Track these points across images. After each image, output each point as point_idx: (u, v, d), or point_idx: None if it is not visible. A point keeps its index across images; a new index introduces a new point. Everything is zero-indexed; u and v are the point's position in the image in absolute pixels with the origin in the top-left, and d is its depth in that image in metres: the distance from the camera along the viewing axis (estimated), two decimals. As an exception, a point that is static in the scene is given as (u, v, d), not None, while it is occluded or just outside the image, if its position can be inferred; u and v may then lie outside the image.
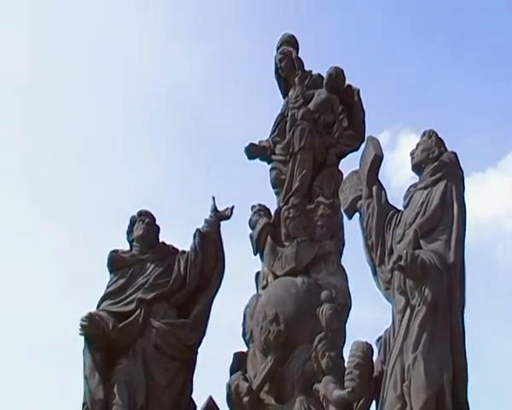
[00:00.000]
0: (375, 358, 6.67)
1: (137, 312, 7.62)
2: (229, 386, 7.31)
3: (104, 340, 7.49)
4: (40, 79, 17.93)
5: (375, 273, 7.06)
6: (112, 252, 8.09)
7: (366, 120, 8.89)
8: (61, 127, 17.71)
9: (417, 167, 7.13)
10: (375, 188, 7.23)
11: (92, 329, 7.43)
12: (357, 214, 7.45)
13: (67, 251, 16.72)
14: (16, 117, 17.79)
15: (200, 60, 18.35)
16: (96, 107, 17.97)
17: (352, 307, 7.82)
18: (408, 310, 6.26)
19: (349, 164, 8.48)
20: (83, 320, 7.45)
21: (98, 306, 7.78)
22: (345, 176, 7.94)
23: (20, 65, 17.63)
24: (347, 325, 7.65)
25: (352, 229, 7.93)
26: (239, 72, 18.47)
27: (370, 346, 6.69)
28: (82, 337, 7.53)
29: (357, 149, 8.67)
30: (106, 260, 8.06)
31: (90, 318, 7.46)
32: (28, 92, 17.91)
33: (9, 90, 18.05)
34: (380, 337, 6.74)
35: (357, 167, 7.66)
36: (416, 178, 7.17)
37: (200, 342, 7.87)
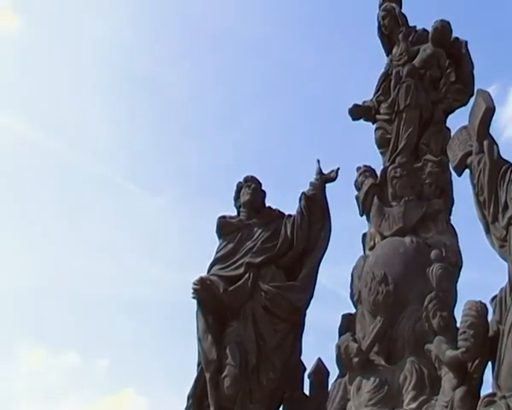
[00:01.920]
0: (489, 318, 6.49)
1: (246, 275, 7.76)
2: (338, 347, 7.29)
3: (215, 303, 7.68)
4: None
5: (487, 231, 6.83)
6: (220, 218, 8.25)
7: (474, 73, 8.60)
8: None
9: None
10: (486, 142, 6.97)
11: (204, 292, 7.64)
12: (467, 171, 7.23)
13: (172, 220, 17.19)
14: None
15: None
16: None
17: (463, 269, 7.63)
18: (526, 267, 6.04)
19: (457, 120, 8.23)
20: (195, 284, 7.67)
21: (208, 270, 7.98)
22: (453, 132, 7.70)
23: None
24: (458, 285, 7.47)
25: (462, 186, 7.74)
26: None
27: (485, 305, 6.50)
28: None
29: (465, 104, 8.40)
30: (214, 227, 8.23)
31: (202, 282, 7.67)
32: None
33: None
34: (494, 297, 6.53)
35: (466, 123, 7.42)
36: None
37: (308, 303, 7.92)
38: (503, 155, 6.96)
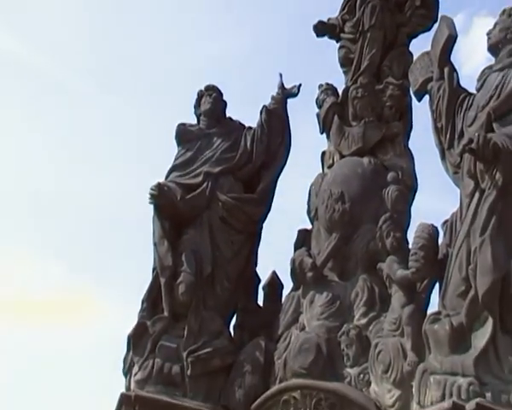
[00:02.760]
0: (440, 241, 6.72)
1: (204, 185, 7.76)
2: (293, 261, 7.44)
3: (172, 210, 7.68)
4: None
5: (443, 157, 6.98)
6: (179, 125, 8.16)
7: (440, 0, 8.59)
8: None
9: (493, 48, 6.86)
10: (446, 69, 7.03)
11: (161, 198, 7.62)
12: (426, 97, 7.32)
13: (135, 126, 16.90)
14: None
15: None
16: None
17: (417, 193, 7.81)
18: (477, 194, 6.20)
19: (420, 45, 8.26)
20: (152, 190, 7.63)
21: (166, 177, 7.94)
22: (415, 57, 7.75)
23: None
24: (412, 208, 7.66)
25: (421, 111, 7.85)
26: None
27: (436, 228, 6.72)
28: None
29: (429, 30, 8.38)
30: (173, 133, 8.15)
31: (159, 187, 7.64)
32: None
33: None
34: (446, 221, 6.75)
35: (428, 49, 7.46)
36: (491, 61, 6.94)
37: (266, 216, 8.02)
38: (464, 86, 7.08)
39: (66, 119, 16.91)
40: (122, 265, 16.38)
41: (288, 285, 7.67)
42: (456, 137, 6.83)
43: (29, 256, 16.77)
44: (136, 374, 7.10)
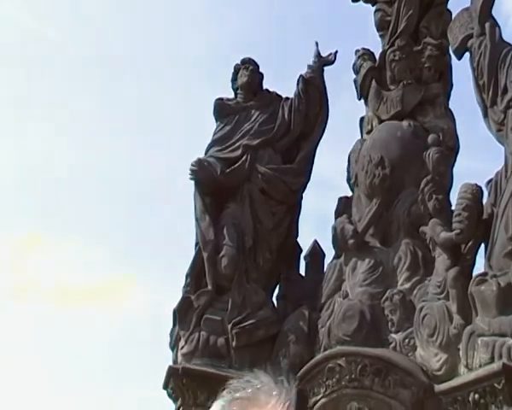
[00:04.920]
0: (484, 200, 6.57)
1: (244, 158, 7.76)
2: (334, 229, 7.38)
3: (213, 184, 7.71)
4: None
5: (485, 115, 6.82)
6: (217, 100, 8.17)
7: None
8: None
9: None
10: (488, 24, 6.85)
11: (201, 173, 7.66)
12: (467, 54, 7.14)
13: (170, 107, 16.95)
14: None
15: None
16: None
17: (459, 154, 7.64)
18: (522, 150, 6.07)
19: (459, 2, 8.04)
20: (192, 166, 7.68)
21: (206, 152, 7.97)
22: (454, 15, 7.56)
23: None
24: (454, 170, 7.50)
25: (462, 70, 7.66)
26: None
27: (480, 188, 6.58)
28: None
29: (468, -15, 8.18)
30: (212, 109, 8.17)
31: (200, 163, 7.68)
32: None
33: None
34: (490, 180, 6.60)
35: (468, 5, 7.27)
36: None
37: (305, 186, 7.98)
38: (510, 39, 6.87)
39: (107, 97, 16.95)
40: (164, 249, 16.51)
41: (329, 254, 7.65)
42: (500, 93, 6.68)
43: (72, 243, 17.09)
44: (182, 348, 7.19)
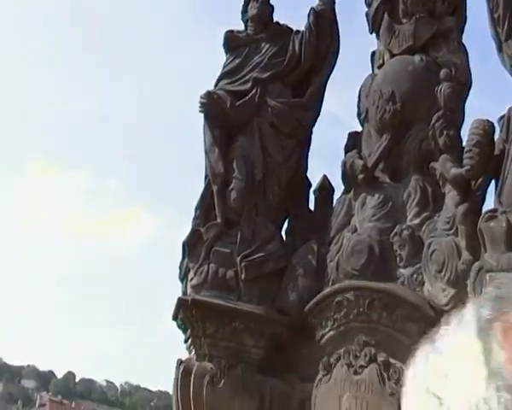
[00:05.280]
0: (496, 136, 6.52)
1: (254, 91, 7.66)
2: (344, 164, 7.34)
3: (222, 117, 7.63)
4: None
5: (500, 49, 6.69)
6: (227, 32, 8.04)
7: None
8: None
9: None
10: (503, -44, 6.67)
11: (211, 106, 7.58)
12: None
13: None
14: None
15: None
16: None
17: (472, 90, 7.54)
18: (535, 85, 5.99)
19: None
20: (202, 98, 7.60)
21: (215, 85, 7.88)
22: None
23: None
24: (466, 106, 7.42)
25: (476, 2, 7.52)
26: None
27: (492, 124, 6.50)
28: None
29: None
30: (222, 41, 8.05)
31: (209, 96, 7.60)
32: None
33: None
34: (502, 116, 6.50)
35: None
36: None
37: (315, 121, 7.91)
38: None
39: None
40: (175, 180, 16.50)
41: (339, 189, 7.62)
42: (515, 26, 6.54)
43: (86, 174, 17.08)
44: (191, 279, 7.25)
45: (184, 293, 7.35)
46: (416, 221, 6.79)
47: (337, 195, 7.63)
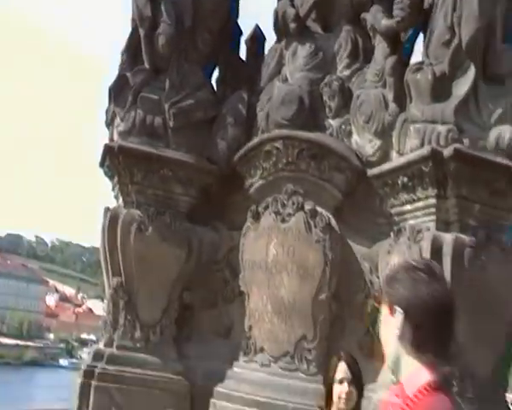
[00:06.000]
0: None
1: None
2: (276, 13, 7.19)
3: None
4: None
5: None
6: None
7: None
8: None
9: None
10: None
11: None
12: None
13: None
14: None
15: None
16: None
17: None
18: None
19: None
20: None
21: None
22: None
23: None
24: None
25: None
26: None
27: None
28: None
29: None
30: None
31: None
32: None
33: None
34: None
35: None
36: None
37: None
38: None
39: None
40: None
41: (271, 40, 7.51)
42: None
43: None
44: (118, 126, 7.07)
45: (111, 140, 7.20)
46: (346, 73, 6.80)
47: (269, 45, 7.52)
